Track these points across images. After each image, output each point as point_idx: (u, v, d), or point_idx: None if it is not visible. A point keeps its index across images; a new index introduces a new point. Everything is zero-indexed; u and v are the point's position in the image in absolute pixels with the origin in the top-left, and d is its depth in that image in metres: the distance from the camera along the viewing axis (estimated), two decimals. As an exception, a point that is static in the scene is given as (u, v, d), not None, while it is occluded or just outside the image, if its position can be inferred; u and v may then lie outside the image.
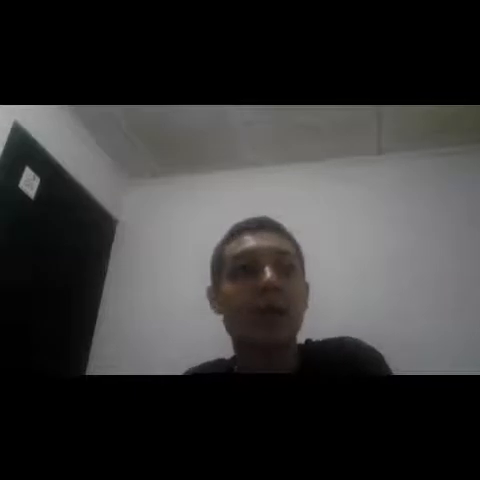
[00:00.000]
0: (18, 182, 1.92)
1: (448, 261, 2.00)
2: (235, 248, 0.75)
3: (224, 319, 0.75)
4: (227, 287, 0.74)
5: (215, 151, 2.44)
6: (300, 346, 0.77)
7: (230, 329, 0.74)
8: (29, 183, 1.97)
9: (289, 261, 0.74)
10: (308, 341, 0.79)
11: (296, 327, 0.73)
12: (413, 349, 1.74)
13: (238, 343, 0.76)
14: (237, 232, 0.78)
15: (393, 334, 1.78)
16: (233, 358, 0.80)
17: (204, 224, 2.22)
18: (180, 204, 2.55)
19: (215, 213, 2.26)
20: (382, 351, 0.75)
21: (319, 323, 1.36)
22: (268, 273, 0.69)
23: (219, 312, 0.77)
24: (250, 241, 0.75)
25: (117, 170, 2.62)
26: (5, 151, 1.85)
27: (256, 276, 0.70)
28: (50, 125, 2.12)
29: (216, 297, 0.78)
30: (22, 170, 1.94)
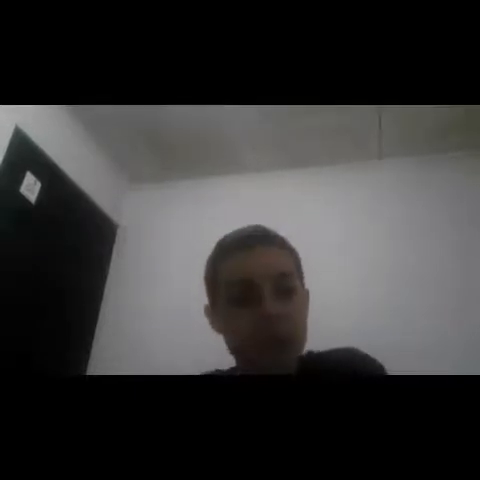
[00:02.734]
0: (19, 187, 1.93)
1: (448, 261, 2.01)
2: (231, 270, 0.71)
3: (226, 340, 0.73)
4: (227, 313, 0.71)
5: (216, 155, 2.45)
6: (299, 357, 0.75)
7: (233, 351, 0.73)
8: (30, 188, 1.97)
9: (289, 282, 0.71)
10: (310, 353, 0.77)
11: (302, 346, 0.71)
12: (413, 349, 1.74)
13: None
14: (234, 248, 0.73)
15: (393, 334, 1.78)
16: (231, 369, 0.79)
17: (205, 228, 2.22)
18: (181, 208, 2.56)
19: (216, 217, 2.26)
20: (382, 351, 0.75)
21: (319, 324, 1.37)
22: (268, 302, 0.66)
23: (219, 333, 0.75)
24: (246, 262, 0.71)
25: (118, 174, 2.63)
26: (6, 156, 1.86)
27: (257, 304, 0.67)
28: (51, 129, 2.13)
29: (215, 318, 0.76)
30: (23, 175, 1.95)
